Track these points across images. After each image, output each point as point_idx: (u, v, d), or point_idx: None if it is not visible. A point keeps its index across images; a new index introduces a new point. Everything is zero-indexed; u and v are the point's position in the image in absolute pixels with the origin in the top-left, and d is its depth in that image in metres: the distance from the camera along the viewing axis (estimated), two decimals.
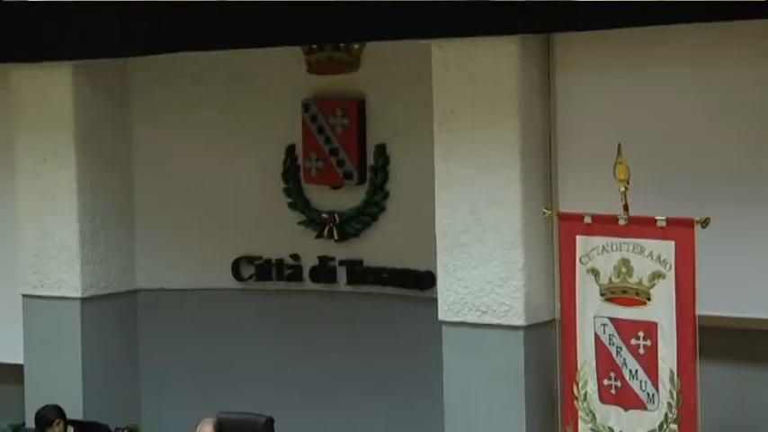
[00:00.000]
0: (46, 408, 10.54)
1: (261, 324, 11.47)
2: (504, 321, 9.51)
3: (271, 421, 10.32)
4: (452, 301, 9.70)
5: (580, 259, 9.05)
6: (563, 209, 9.35)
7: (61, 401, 10.68)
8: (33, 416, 10.61)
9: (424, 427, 10.51)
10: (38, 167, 11.32)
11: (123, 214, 11.57)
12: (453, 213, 9.66)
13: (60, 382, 11.19)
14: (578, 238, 9.04)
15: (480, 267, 9.59)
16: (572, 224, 9.08)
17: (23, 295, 11.50)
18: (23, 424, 11.25)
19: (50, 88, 11.20)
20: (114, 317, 11.53)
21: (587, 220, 9.01)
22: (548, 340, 9.51)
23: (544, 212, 9.34)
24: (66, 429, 10.46)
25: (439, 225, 9.74)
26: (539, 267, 9.54)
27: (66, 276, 11.30)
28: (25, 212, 11.44)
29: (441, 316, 9.78)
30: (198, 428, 9.89)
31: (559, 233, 9.21)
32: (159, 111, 11.56)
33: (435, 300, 9.87)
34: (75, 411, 11.00)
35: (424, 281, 10.61)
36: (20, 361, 11.58)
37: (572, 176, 9.47)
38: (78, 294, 11.28)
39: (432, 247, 9.82)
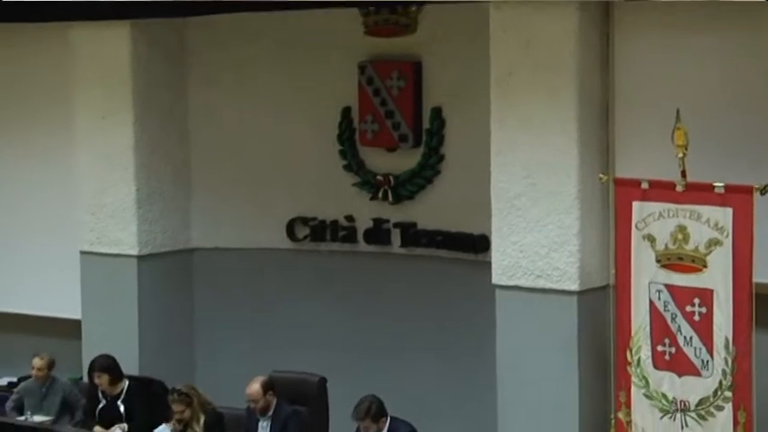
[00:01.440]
0: (98, 356, 10.54)
1: (314, 285, 11.38)
2: (557, 286, 9.37)
3: (323, 381, 10.24)
4: (506, 264, 9.57)
5: (636, 225, 8.90)
6: (620, 174, 9.16)
7: (118, 357, 10.66)
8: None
9: (476, 391, 10.40)
10: (96, 126, 11.26)
11: (180, 173, 11.50)
12: (509, 177, 9.51)
13: (117, 339, 11.16)
14: (635, 203, 8.89)
15: (535, 232, 9.44)
16: (628, 190, 8.92)
17: (81, 252, 11.49)
18: (81, 378, 11.24)
19: (109, 47, 11.13)
20: (170, 275, 11.49)
21: (644, 185, 8.85)
22: (602, 306, 9.36)
23: (600, 177, 9.17)
24: (113, 383, 10.38)
25: (494, 189, 9.60)
26: (594, 233, 9.37)
27: (122, 234, 11.26)
28: (83, 170, 11.41)
29: (494, 280, 9.65)
30: (248, 387, 9.81)
31: (615, 198, 9.05)
32: (216, 71, 11.45)
33: (489, 263, 9.74)
34: (131, 368, 10.98)
35: (479, 244, 10.47)
36: (78, 317, 11.57)
37: (629, 141, 9.29)
38: (135, 252, 11.24)
39: (486, 210, 9.69)
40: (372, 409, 9.32)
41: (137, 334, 11.25)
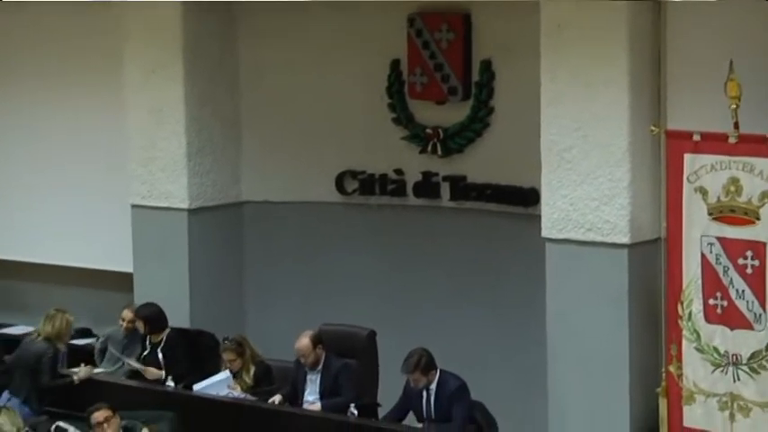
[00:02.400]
0: (143, 305, 10.58)
1: (364, 238, 11.30)
2: (608, 239, 9.26)
3: (373, 334, 10.16)
4: (556, 218, 9.46)
5: (687, 178, 8.77)
6: (671, 126, 9.01)
7: (168, 310, 10.66)
8: None
9: (525, 344, 10.31)
10: (146, 79, 11.20)
11: (230, 127, 11.42)
12: (559, 130, 9.39)
13: (168, 291, 11.13)
14: (686, 156, 8.76)
15: (585, 185, 9.32)
16: (680, 142, 8.78)
17: (132, 205, 11.47)
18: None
19: (159, 1, 11.01)
20: (220, 229, 11.45)
21: (696, 137, 8.71)
22: (652, 259, 9.24)
23: (652, 130, 9.03)
24: (153, 332, 10.38)
25: (544, 141, 9.48)
26: (645, 185, 9.24)
27: (173, 188, 11.22)
28: (133, 123, 11.36)
29: (544, 233, 9.54)
30: (297, 341, 9.74)
31: (667, 151, 8.92)
32: (265, 24, 11.33)
33: (539, 217, 9.65)
34: (182, 320, 10.97)
35: (528, 197, 10.35)
36: (129, 270, 11.56)
37: (681, 93, 9.11)
38: (185, 206, 11.20)
39: (536, 163, 9.57)
40: (422, 363, 9.24)
41: (187, 287, 11.23)
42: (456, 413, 9.21)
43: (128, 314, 10.85)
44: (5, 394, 10.27)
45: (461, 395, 9.26)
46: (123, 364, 10.65)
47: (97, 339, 11.50)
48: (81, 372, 10.29)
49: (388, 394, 9.85)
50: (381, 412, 9.80)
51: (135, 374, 10.54)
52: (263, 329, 11.09)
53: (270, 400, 9.61)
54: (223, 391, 9.92)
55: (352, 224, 11.34)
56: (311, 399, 9.81)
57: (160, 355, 10.42)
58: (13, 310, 12.67)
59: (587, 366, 9.36)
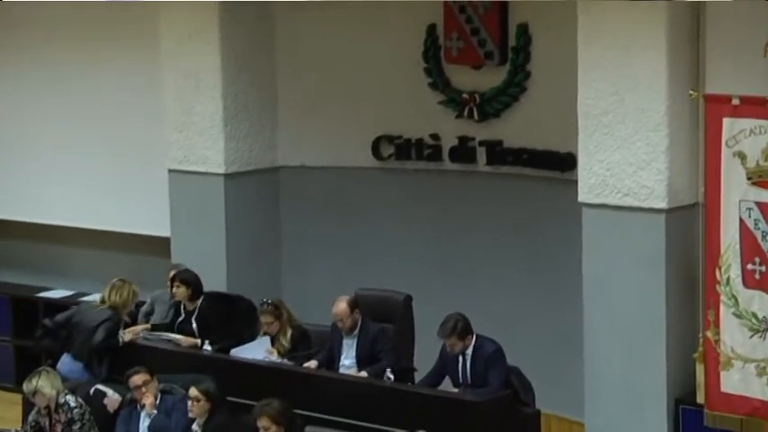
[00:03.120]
0: (182, 269, 10.54)
1: (399, 203, 11.24)
2: (645, 204, 9.18)
3: (409, 299, 10.10)
4: (593, 183, 9.38)
5: (726, 142, 8.67)
6: (710, 90, 8.90)
7: (205, 274, 10.61)
8: None
9: (562, 309, 10.24)
10: (182, 44, 11.14)
11: (266, 92, 11.35)
12: (596, 94, 9.29)
13: (205, 256, 11.11)
14: (725, 120, 8.65)
15: (623, 149, 9.23)
16: (719, 106, 8.68)
17: (169, 170, 11.43)
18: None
19: None
20: (256, 193, 11.40)
21: (735, 101, 8.61)
22: (690, 224, 9.16)
23: (690, 94, 8.93)
24: (191, 298, 10.34)
25: (581, 106, 9.39)
26: (682, 150, 9.14)
27: (209, 153, 11.18)
28: (170, 89, 11.31)
29: (581, 198, 9.47)
30: (334, 305, 9.69)
31: (705, 115, 8.83)
32: None
33: (575, 182, 9.58)
34: (218, 284, 10.95)
35: (565, 162, 10.25)
36: (166, 234, 11.53)
37: (720, 57, 8.98)
38: (222, 171, 11.16)
39: (573, 128, 9.49)
40: (458, 327, 9.18)
41: (224, 252, 11.20)
42: (492, 377, 9.16)
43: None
44: (64, 357, 10.26)
45: (497, 359, 9.20)
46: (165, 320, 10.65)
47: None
48: (127, 333, 10.27)
49: (424, 359, 9.81)
50: (417, 377, 9.75)
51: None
52: (300, 294, 11.04)
53: (305, 365, 9.56)
54: (260, 356, 9.89)
55: (388, 189, 11.27)
56: (347, 363, 9.77)
57: (194, 324, 10.38)
58: (52, 275, 12.69)
59: (624, 332, 9.30)
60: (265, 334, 10.01)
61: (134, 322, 10.82)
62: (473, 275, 10.78)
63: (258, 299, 10.40)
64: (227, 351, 10.13)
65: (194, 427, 8.91)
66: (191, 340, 10.31)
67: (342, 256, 11.39)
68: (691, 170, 9.17)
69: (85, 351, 10.14)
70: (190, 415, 8.89)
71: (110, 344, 10.13)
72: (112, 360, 10.14)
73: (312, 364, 9.65)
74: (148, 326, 10.58)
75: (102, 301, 10.35)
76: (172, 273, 10.67)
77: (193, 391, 8.86)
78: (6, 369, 12.36)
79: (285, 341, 9.89)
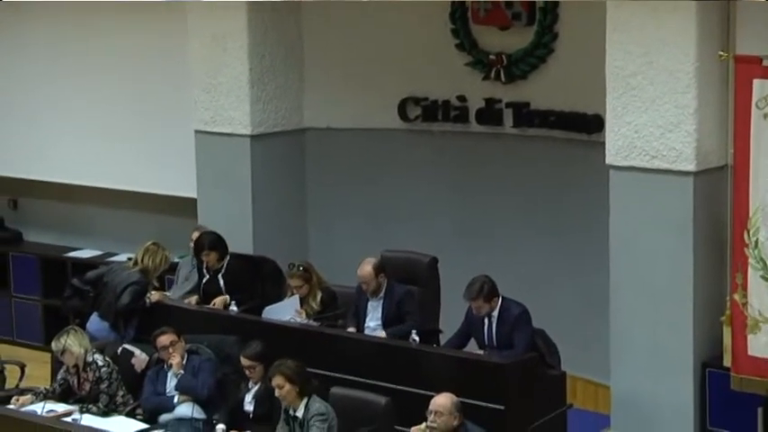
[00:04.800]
0: (203, 234, 10.41)
1: (426, 165, 11.11)
2: (673, 167, 9.03)
3: (434, 261, 9.97)
4: (621, 145, 9.23)
5: (756, 104, 8.51)
6: (740, 51, 8.71)
7: (231, 236, 10.52)
8: None
9: (588, 270, 10.12)
10: (209, 5, 10.99)
11: (292, 54, 11.21)
12: (624, 55, 9.12)
13: (231, 217, 11.02)
14: (755, 81, 8.50)
15: (651, 111, 9.07)
16: (749, 67, 8.52)
17: (196, 131, 11.31)
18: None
19: None
20: (283, 155, 11.29)
21: (766, 63, 8.45)
22: (718, 186, 9.02)
23: (720, 55, 8.75)
24: (221, 260, 10.24)
25: (609, 67, 9.23)
26: (712, 112, 8.97)
27: (236, 114, 11.05)
28: (197, 50, 11.18)
29: (608, 160, 9.32)
30: (360, 268, 9.56)
31: (735, 77, 8.67)
32: None
33: (603, 144, 9.43)
34: (244, 246, 10.85)
35: (592, 124, 10.09)
36: (193, 195, 11.43)
37: (751, 18, 8.77)
38: (248, 132, 11.04)
39: (601, 89, 9.32)
40: (485, 290, 9.04)
41: (250, 213, 11.11)
42: (517, 340, 9.03)
43: (196, 235, 10.73)
44: (93, 316, 10.19)
45: (523, 322, 9.07)
46: (189, 285, 10.55)
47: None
48: (154, 295, 10.19)
49: (450, 321, 9.69)
50: (443, 339, 9.63)
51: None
52: (325, 255, 10.95)
53: None
54: (287, 316, 9.79)
55: (414, 151, 11.14)
56: (373, 325, 9.66)
57: (221, 282, 10.28)
58: (80, 235, 12.66)
59: (650, 294, 9.17)
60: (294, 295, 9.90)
61: (162, 287, 10.74)
62: (499, 238, 10.65)
63: (284, 260, 10.31)
64: (254, 311, 10.03)
65: (250, 385, 8.79)
66: (221, 300, 10.16)
67: (367, 217, 11.28)
68: (720, 132, 9.00)
69: (111, 311, 10.07)
70: (250, 383, 8.79)
71: (135, 307, 10.04)
72: (141, 320, 10.06)
73: None
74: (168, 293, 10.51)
75: (135, 263, 10.26)
76: (195, 234, 10.56)
77: (245, 361, 8.75)
78: (35, 328, 12.38)
79: (315, 303, 9.77)
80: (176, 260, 10.91)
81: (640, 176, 9.14)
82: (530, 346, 9.05)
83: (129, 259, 10.53)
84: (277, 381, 8.22)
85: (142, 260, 10.24)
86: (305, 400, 8.22)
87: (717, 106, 8.98)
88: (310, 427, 8.10)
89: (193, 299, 10.34)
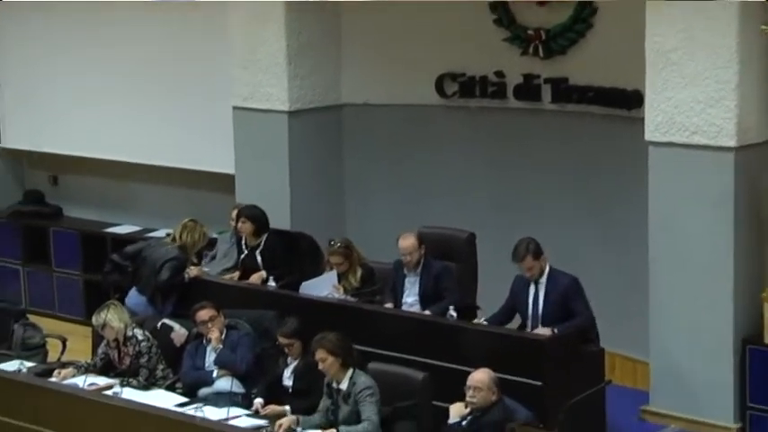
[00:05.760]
0: (247, 205, 10.38)
1: (463, 141, 10.98)
2: (713, 142, 8.91)
3: (472, 237, 9.85)
4: (660, 120, 9.10)
5: None
6: None
7: (269, 212, 10.43)
8: None
9: (627, 247, 9.98)
10: None
11: (330, 30, 11.10)
12: (664, 31, 8.99)
13: (268, 193, 10.93)
14: None
15: (691, 87, 8.95)
16: None
17: (234, 107, 11.22)
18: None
19: None
20: (320, 131, 11.19)
21: None
22: (759, 162, 8.94)
23: (762, 29, 8.58)
24: (256, 233, 10.16)
25: (649, 43, 9.10)
26: (753, 87, 8.86)
27: (274, 90, 10.97)
28: (235, 26, 11.08)
29: (647, 136, 9.20)
30: (402, 240, 9.45)
31: None
32: None
33: (642, 119, 9.30)
34: (282, 222, 10.77)
35: (631, 100, 9.92)
36: (231, 171, 11.35)
37: None
38: (286, 108, 10.95)
39: (640, 65, 9.20)
40: (531, 247, 8.88)
41: (288, 189, 11.03)
42: (577, 307, 8.82)
43: (235, 213, 10.67)
44: (132, 291, 10.15)
45: (577, 289, 8.87)
46: (229, 262, 10.49)
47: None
48: (192, 270, 10.13)
49: (487, 297, 9.58)
50: (480, 315, 9.51)
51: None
52: (362, 231, 10.86)
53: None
54: (325, 292, 9.71)
55: (451, 127, 11.01)
56: (410, 301, 9.56)
57: (259, 258, 10.21)
58: (120, 211, 12.63)
59: (690, 271, 9.05)
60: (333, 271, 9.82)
61: (200, 262, 10.68)
62: (537, 214, 10.51)
63: (321, 236, 10.23)
64: (292, 287, 9.95)
65: (288, 360, 8.72)
66: (258, 276, 10.10)
67: (405, 193, 11.17)
68: (761, 108, 8.87)
69: (149, 286, 10.02)
70: (289, 359, 8.72)
71: (174, 282, 9.98)
72: (179, 296, 10.00)
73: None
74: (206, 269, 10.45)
75: (173, 240, 10.21)
76: (235, 211, 10.49)
77: (283, 339, 8.67)
78: (76, 303, 12.37)
79: (354, 280, 9.68)
80: (214, 236, 10.85)
81: (680, 152, 9.01)
82: (590, 312, 8.85)
83: (168, 235, 10.49)
84: (319, 354, 8.13)
85: (180, 237, 10.19)
86: (349, 373, 8.13)
87: (758, 81, 8.85)
88: (360, 401, 8.01)
89: (235, 275, 10.28)
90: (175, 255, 10.07)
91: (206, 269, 10.42)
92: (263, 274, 10.12)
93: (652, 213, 9.18)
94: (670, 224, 9.08)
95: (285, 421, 8.12)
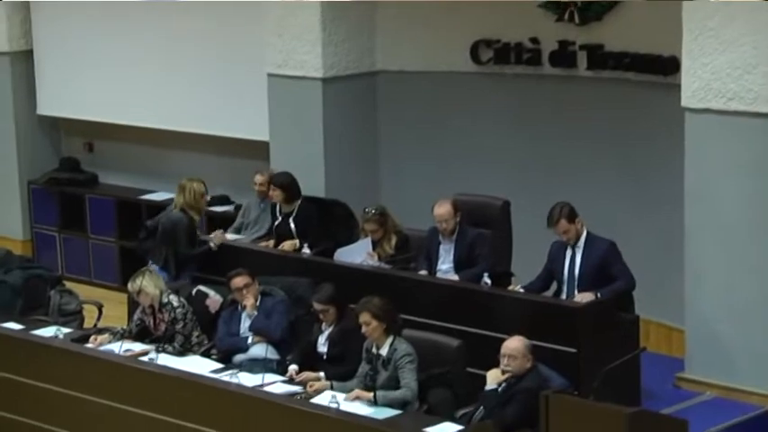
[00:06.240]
0: (279, 172, 10.40)
1: (498, 108, 10.90)
2: (751, 108, 8.82)
3: (507, 204, 9.79)
4: (697, 87, 9.01)
5: None
6: None
7: (303, 179, 10.42)
8: None
9: (663, 214, 9.89)
10: None
11: None
12: None
13: (303, 160, 10.90)
14: None
15: (728, 53, 8.85)
16: None
17: (268, 75, 11.18)
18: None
19: None
20: (354, 98, 11.14)
21: None
22: None
23: None
24: (288, 201, 10.17)
25: (686, 8, 8.99)
26: None
27: (308, 57, 10.91)
28: None
29: (684, 102, 9.11)
30: (437, 207, 9.38)
31: None
32: None
33: (678, 86, 9.19)
34: (316, 188, 10.74)
35: (668, 66, 9.82)
36: (265, 138, 11.31)
37: None
38: (320, 75, 10.89)
39: (677, 31, 9.07)
40: (565, 210, 8.82)
41: (322, 156, 10.98)
42: (619, 273, 8.77)
43: (259, 178, 10.64)
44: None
45: (616, 252, 8.81)
46: (261, 229, 10.47)
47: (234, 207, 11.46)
48: (216, 238, 10.12)
49: (522, 265, 9.53)
50: (514, 282, 9.46)
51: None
52: (396, 198, 10.80)
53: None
54: (359, 259, 9.67)
55: (486, 94, 10.93)
56: (444, 268, 9.51)
57: (292, 225, 10.19)
58: (155, 177, 12.62)
59: (726, 238, 8.97)
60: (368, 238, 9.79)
61: (230, 223, 10.67)
62: (572, 181, 10.43)
63: (355, 203, 10.19)
64: (326, 254, 9.92)
65: (323, 327, 8.71)
66: (290, 243, 10.08)
67: (439, 161, 11.11)
68: None
69: (161, 255, 10.03)
70: (324, 325, 8.70)
71: (195, 252, 9.99)
72: (214, 262, 9.99)
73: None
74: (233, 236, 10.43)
75: (175, 206, 10.19)
76: (256, 176, 10.46)
77: (318, 306, 8.64)
78: (112, 269, 12.41)
79: (389, 247, 9.65)
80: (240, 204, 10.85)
81: (716, 119, 8.91)
82: (631, 275, 8.78)
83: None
84: (364, 318, 8.09)
85: (177, 198, 10.17)
86: (390, 339, 8.10)
87: None
88: (399, 368, 7.98)
89: (270, 242, 10.26)
90: (178, 219, 10.04)
91: (238, 236, 10.41)
92: (296, 243, 10.09)
93: (688, 180, 9.09)
94: (706, 191, 8.99)
95: (319, 384, 8.09)
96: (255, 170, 10.79)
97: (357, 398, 7.89)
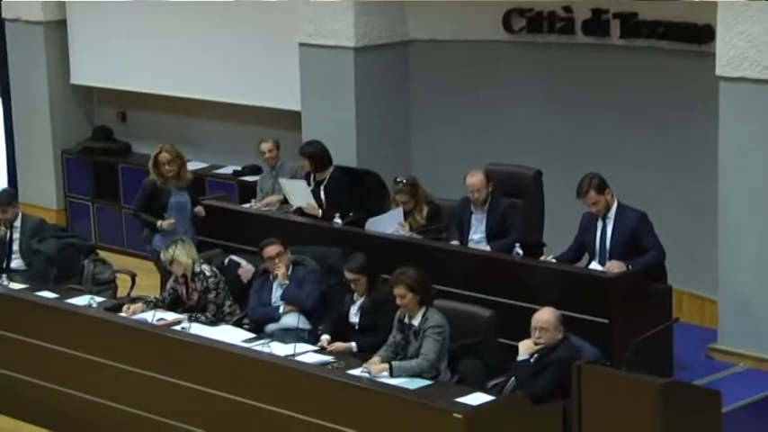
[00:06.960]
0: (307, 143, 10.41)
1: (531, 77, 10.80)
2: None
3: (539, 174, 9.71)
4: (732, 55, 8.88)
5: None
6: None
7: (335, 148, 10.37)
8: None
9: (696, 184, 9.80)
10: None
11: None
12: None
13: (335, 130, 10.84)
14: None
15: (764, 20, 8.72)
16: None
17: (300, 44, 11.10)
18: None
19: None
20: (386, 67, 11.07)
21: None
22: None
23: None
24: (317, 170, 10.16)
25: None
26: None
27: (340, 26, 10.83)
28: None
29: (718, 71, 8.98)
30: (470, 176, 9.31)
31: None
32: None
33: (713, 54, 9.07)
34: (348, 159, 10.69)
35: (702, 34, 9.69)
36: (297, 108, 11.25)
37: None
38: (352, 44, 10.82)
39: None
40: (594, 182, 8.73)
41: (354, 126, 10.93)
42: (650, 243, 8.68)
43: (265, 146, 10.60)
44: None
45: (647, 224, 8.71)
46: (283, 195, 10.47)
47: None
48: (165, 223, 10.01)
49: (553, 235, 9.46)
50: (546, 252, 9.39)
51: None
52: (428, 168, 10.75)
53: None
54: (390, 228, 9.62)
55: (518, 63, 10.83)
56: (476, 238, 9.45)
57: (322, 194, 10.15)
58: (186, 147, 12.47)
59: (760, 208, 8.86)
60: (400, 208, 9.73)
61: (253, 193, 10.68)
62: (604, 151, 10.33)
63: (387, 173, 10.13)
64: (357, 223, 9.87)
65: (355, 297, 8.66)
66: (315, 208, 10.06)
67: (471, 130, 11.03)
68: None
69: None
70: (355, 295, 8.65)
71: (142, 219, 10.07)
72: (245, 231, 9.97)
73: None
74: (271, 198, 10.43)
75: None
76: (262, 145, 10.53)
77: (349, 275, 8.58)
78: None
79: (420, 217, 9.60)
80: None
81: (752, 88, 8.79)
82: (661, 248, 8.70)
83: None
84: (399, 290, 8.04)
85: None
86: (423, 310, 8.05)
87: None
88: (426, 337, 7.94)
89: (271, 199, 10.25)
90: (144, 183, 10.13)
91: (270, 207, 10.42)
92: (319, 212, 10.03)
93: (722, 150, 8.98)
94: (741, 161, 8.88)
95: (381, 367, 7.93)
96: (260, 139, 10.72)
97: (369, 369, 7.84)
